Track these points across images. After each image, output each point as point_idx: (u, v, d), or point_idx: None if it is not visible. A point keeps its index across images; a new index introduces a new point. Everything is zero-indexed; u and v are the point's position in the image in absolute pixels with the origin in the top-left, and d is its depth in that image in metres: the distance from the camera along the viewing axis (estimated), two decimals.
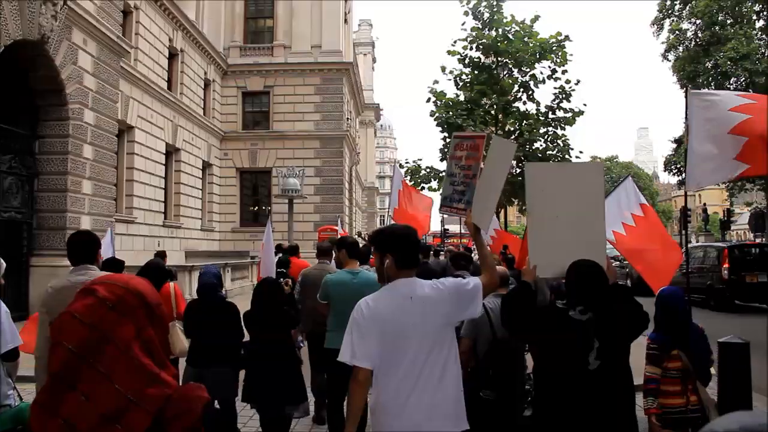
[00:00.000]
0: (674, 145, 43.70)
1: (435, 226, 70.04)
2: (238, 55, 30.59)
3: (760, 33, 38.21)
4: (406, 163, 19.42)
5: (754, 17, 38.81)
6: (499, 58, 16.41)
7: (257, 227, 29.67)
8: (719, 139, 5.26)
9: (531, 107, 17.00)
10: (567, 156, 16.36)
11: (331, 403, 5.55)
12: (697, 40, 39.83)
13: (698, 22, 39.25)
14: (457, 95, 16.91)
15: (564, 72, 16.18)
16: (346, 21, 34.60)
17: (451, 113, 15.95)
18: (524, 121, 16.36)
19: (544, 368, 3.60)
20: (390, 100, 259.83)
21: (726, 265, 16.75)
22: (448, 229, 53.86)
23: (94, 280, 1.63)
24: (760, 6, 37.95)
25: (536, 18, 16.25)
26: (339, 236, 9.73)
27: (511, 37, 15.91)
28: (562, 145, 16.30)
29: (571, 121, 16.08)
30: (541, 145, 16.49)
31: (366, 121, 57.56)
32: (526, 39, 15.86)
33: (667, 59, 41.56)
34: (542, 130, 16.16)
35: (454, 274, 6.13)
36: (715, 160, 5.32)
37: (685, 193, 6.30)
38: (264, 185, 30.32)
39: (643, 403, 4.38)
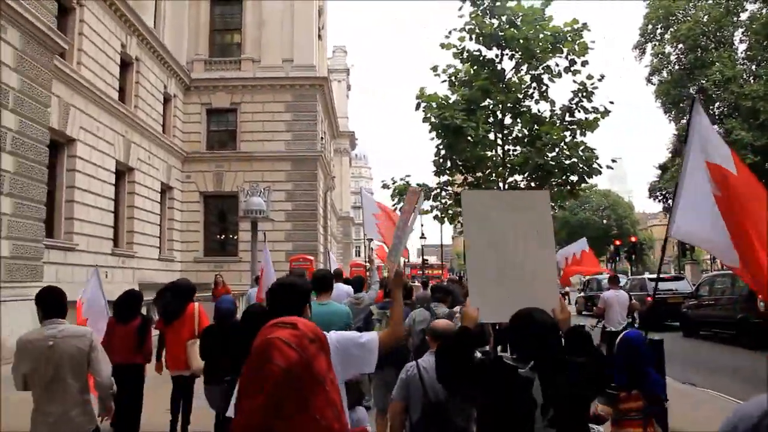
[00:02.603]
0: (659, 172, 42.51)
1: (415, 256, 68.12)
2: (202, 69, 27.85)
3: (743, 57, 37.14)
4: (393, 182, 15.74)
5: (737, 42, 37.85)
6: (504, 51, 13.94)
7: (224, 257, 26.91)
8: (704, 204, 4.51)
9: (544, 107, 14.41)
10: (595, 166, 13.53)
11: None
12: (681, 64, 38.73)
13: (681, 46, 38.16)
14: (454, 93, 14.29)
15: (584, 64, 13.61)
16: (320, 37, 32.31)
17: (446, 113, 13.24)
18: (535, 125, 13.76)
19: None
20: (365, 130, 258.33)
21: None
22: (427, 260, 52.02)
23: (284, 319, 1.80)
24: (742, 31, 37.00)
25: (548, 2, 13.82)
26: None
27: (518, 23, 13.45)
28: (584, 153, 13.45)
29: (594, 125, 13.51)
30: (560, 154, 13.70)
31: (341, 149, 55.60)
32: (537, 26, 13.41)
33: (651, 83, 40.45)
34: (561, 135, 13.46)
35: (428, 306, 6.93)
36: (705, 230, 4.61)
37: (667, 232, 5.07)
38: (231, 211, 27.11)
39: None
